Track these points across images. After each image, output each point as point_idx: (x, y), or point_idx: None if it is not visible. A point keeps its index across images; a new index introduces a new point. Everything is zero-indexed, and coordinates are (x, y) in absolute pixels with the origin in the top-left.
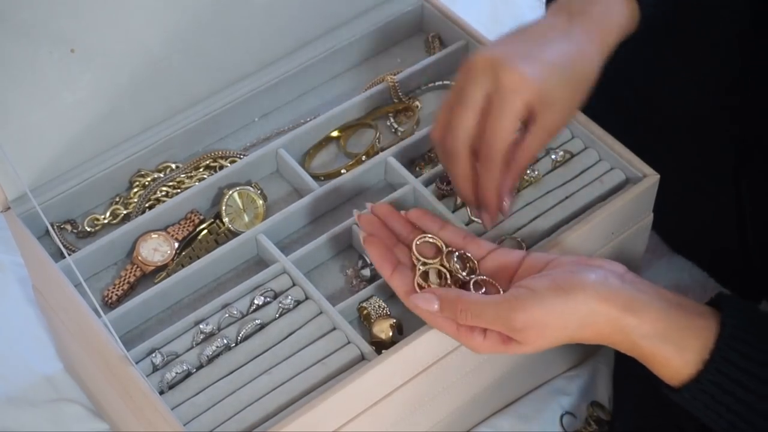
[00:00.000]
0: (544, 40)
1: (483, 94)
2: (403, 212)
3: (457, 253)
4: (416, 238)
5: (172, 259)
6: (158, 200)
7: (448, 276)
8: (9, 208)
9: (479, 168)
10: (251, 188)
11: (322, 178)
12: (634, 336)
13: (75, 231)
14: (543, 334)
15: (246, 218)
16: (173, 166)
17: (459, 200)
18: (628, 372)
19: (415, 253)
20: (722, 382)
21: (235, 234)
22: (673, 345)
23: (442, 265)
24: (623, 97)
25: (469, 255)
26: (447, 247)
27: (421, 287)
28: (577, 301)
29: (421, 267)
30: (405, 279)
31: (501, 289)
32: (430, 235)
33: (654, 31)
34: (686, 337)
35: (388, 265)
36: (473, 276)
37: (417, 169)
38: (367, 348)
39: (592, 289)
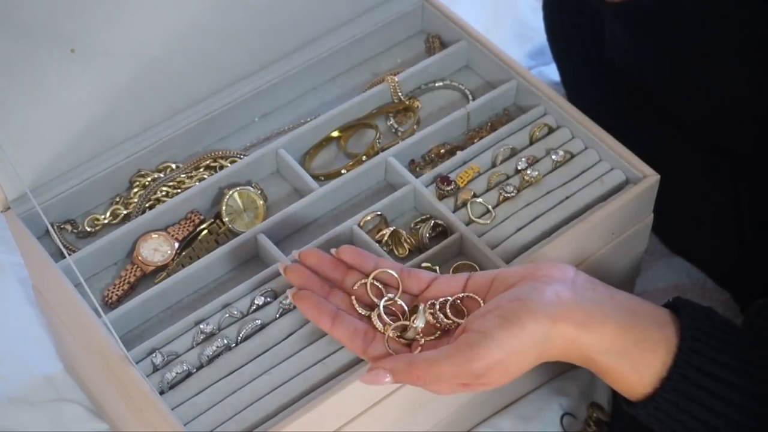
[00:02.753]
0: None
1: None
2: (333, 250)
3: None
4: (353, 284)
5: (173, 259)
6: (158, 200)
7: (406, 312)
8: (9, 208)
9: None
10: (251, 188)
11: (322, 178)
12: (591, 353)
13: (75, 231)
14: (506, 372)
15: (246, 218)
16: (173, 166)
17: (459, 200)
18: None
19: (358, 303)
20: (678, 400)
21: (235, 234)
22: (630, 361)
23: (393, 308)
24: (628, 97)
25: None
26: (385, 286)
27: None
28: (530, 332)
29: (376, 317)
30: (349, 328)
31: (481, 301)
32: (370, 278)
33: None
34: (644, 352)
35: (326, 318)
36: (448, 300)
37: (417, 169)
38: None
39: (544, 313)
